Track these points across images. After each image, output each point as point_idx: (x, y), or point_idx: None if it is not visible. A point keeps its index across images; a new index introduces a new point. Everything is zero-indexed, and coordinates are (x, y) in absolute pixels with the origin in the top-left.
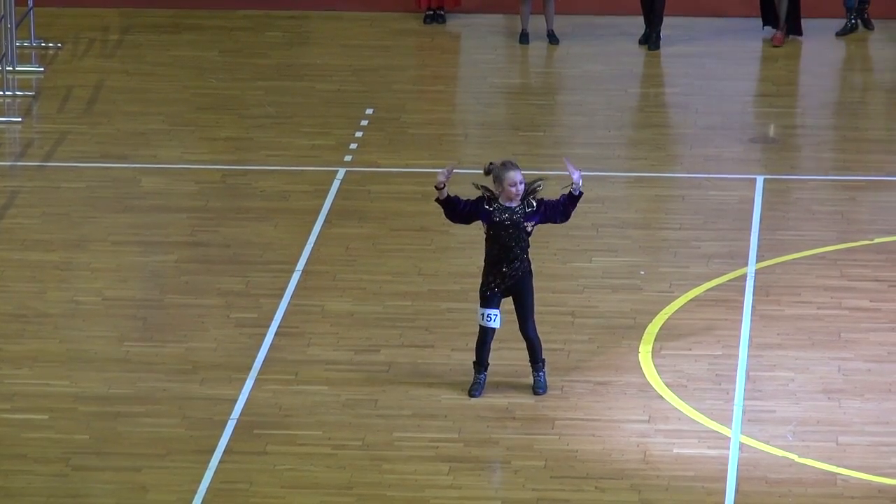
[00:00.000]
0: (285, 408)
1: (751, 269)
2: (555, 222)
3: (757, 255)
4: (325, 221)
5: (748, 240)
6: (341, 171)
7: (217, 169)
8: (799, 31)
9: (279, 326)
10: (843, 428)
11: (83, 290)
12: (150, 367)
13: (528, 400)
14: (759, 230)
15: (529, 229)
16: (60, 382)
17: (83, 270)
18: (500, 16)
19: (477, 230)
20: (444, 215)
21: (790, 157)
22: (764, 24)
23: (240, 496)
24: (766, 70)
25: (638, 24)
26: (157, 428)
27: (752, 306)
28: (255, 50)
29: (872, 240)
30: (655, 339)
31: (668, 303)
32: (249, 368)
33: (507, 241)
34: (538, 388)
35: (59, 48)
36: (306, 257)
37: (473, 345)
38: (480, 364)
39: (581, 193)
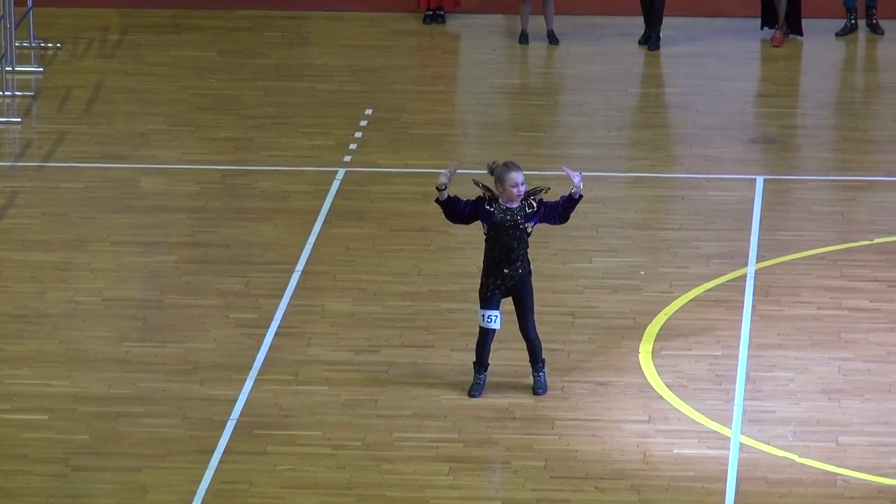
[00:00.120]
0: (285, 408)
1: (751, 269)
2: (553, 223)
3: (757, 256)
4: (325, 222)
5: (748, 240)
6: (341, 172)
7: (217, 169)
8: (799, 31)
9: (279, 327)
10: (843, 428)
11: (83, 290)
12: (150, 367)
13: (528, 400)
14: (759, 230)
15: (529, 230)
16: (60, 383)
17: (83, 271)
18: (500, 16)
19: (477, 230)
20: (443, 216)
21: (790, 158)
22: (762, 26)
23: (240, 496)
24: (765, 70)
25: (638, 24)
26: (157, 428)
27: (752, 306)
28: (255, 50)
29: (872, 240)
30: (655, 340)
31: (669, 303)
32: (249, 369)
33: (508, 241)
34: (538, 389)
35: (58, 48)
36: (306, 257)
37: (473, 345)
38: (480, 364)
39: (581, 196)
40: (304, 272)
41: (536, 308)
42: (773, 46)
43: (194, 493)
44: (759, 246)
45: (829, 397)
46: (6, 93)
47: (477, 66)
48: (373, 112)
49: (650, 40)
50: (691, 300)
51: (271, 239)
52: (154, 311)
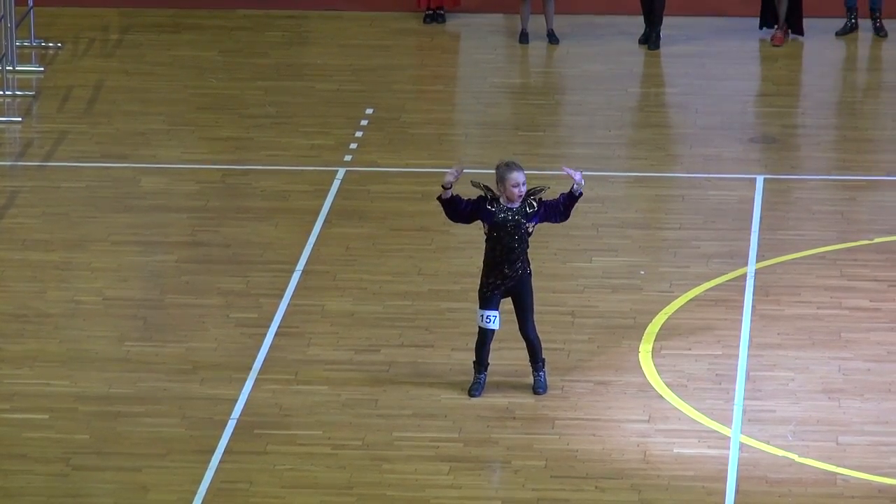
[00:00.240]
0: (285, 408)
1: (751, 268)
2: (554, 221)
3: (757, 255)
4: (325, 221)
5: (748, 240)
6: (341, 171)
7: (217, 169)
8: (800, 31)
9: (279, 326)
10: (843, 428)
11: (83, 289)
12: (151, 366)
13: (528, 400)
14: (759, 230)
15: (531, 230)
16: (61, 382)
17: (83, 270)
18: (500, 15)
19: (477, 230)
20: (444, 214)
21: (790, 157)
22: (761, 26)
23: (240, 496)
24: (766, 70)
25: (638, 23)
26: (158, 428)
27: (752, 306)
28: (255, 50)
29: (872, 239)
30: (655, 339)
31: (668, 303)
32: (249, 368)
33: (509, 241)
34: (538, 388)
35: (59, 48)
36: (306, 257)
37: (473, 344)
38: (480, 364)
39: (581, 193)
40: (304, 272)
41: (536, 308)
42: (774, 46)
43: (194, 492)
44: (759, 245)
45: (829, 397)
46: (7, 92)
47: (477, 66)
48: (373, 112)
49: (650, 40)
50: (691, 300)
51: (272, 238)
52: (154, 310)
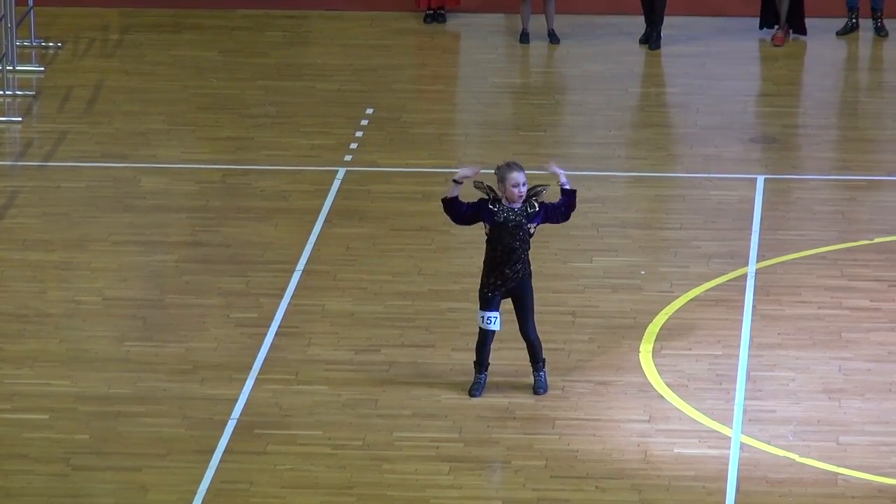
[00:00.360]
0: (285, 408)
1: (751, 268)
2: (556, 222)
3: (757, 255)
4: (326, 221)
5: (748, 239)
6: (341, 171)
7: (217, 169)
8: (803, 31)
9: (279, 326)
10: (843, 428)
11: (83, 289)
12: (151, 366)
13: (528, 400)
14: (760, 230)
15: (532, 231)
16: (61, 382)
17: (83, 270)
18: (501, 15)
19: (478, 230)
20: (445, 214)
21: (790, 157)
22: (761, 26)
23: (240, 496)
24: (766, 69)
25: (638, 23)
26: (158, 428)
27: (753, 306)
28: (255, 49)
29: (873, 239)
30: (656, 339)
31: (669, 302)
32: (250, 368)
33: (511, 242)
34: (538, 388)
35: (59, 48)
36: (306, 257)
37: (473, 344)
38: (480, 364)
39: (571, 189)
40: (304, 272)
41: (536, 308)
42: (775, 46)
43: (194, 492)
44: (759, 245)
45: (829, 397)
46: (7, 92)
47: (477, 66)
48: (373, 111)
49: (651, 40)
50: (692, 300)
51: (272, 238)
52: (154, 310)
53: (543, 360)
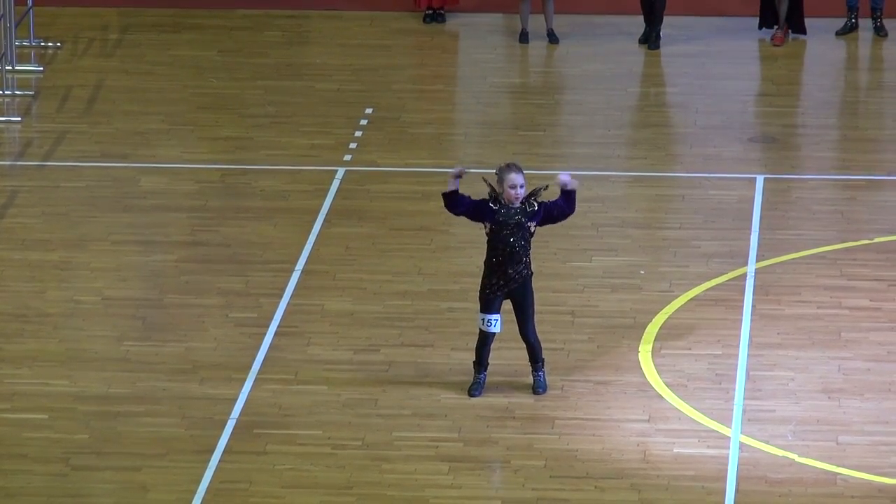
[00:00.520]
0: (285, 407)
1: (751, 268)
2: (557, 219)
3: (757, 255)
4: (325, 221)
5: (748, 239)
6: (341, 171)
7: (217, 168)
8: (803, 30)
9: (279, 326)
10: (843, 427)
11: (83, 289)
12: (150, 366)
13: (527, 399)
14: (759, 230)
15: (532, 230)
16: (60, 382)
17: (83, 270)
18: (500, 15)
19: (477, 229)
20: (444, 206)
21: (790, 157)
22: (761, 26)
23: (239, 496)
24: (766, 69)
25: (638, 23)
26: (157, 427)
27: (752, 306)
28: (255, 49)
29: (872, 239)
30: (655, 339)
31: (668, 302)
32: (249, 368)
33: (512, 241)
34: (538, 388)
35: (58, 47)
36: (306, 257)
37: (473, 344)
38: (480, 364)
39: (572, 190)
40: (303, 271)
41: (536, 307)
42: (774, 46)
43: (194, 492)
44: (759, 245)
45: (829, 396)
46: (6, 92)
47: (477, 66)
48: (373, 111)
49: (650, 39)
50: (691, 299)
51: (271, 238)
52: (154, 310)
53: (543, 360)
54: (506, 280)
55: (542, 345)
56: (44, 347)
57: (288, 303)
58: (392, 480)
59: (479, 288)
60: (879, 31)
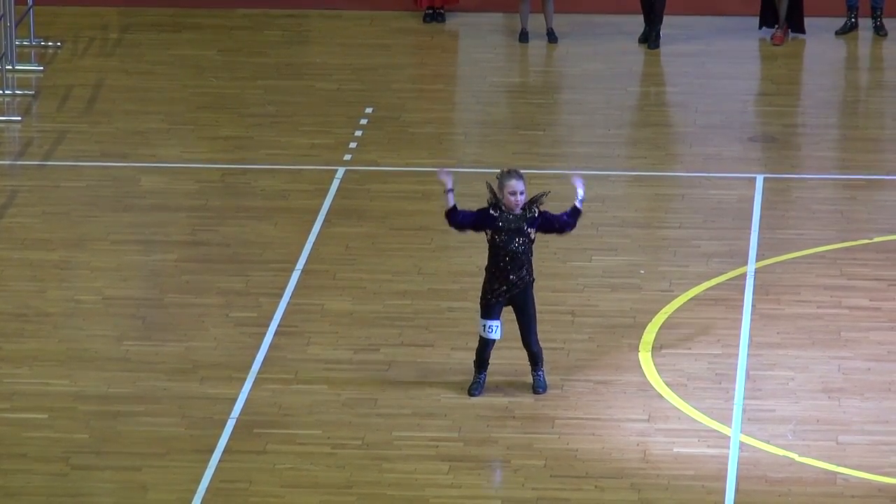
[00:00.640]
0: (285, 407)
1: (750, 268)
2: (551, 232)
3: (757, 254)
4: (325, 220)
5: (748, 239)
6: (341, 171)
7: (217, 168)
8: (802, 30)
9: (279, 326)
10: (843, 427)
11: (83, 289)
12: (150, 366)
13: (527, 399)
14: (759, 229)
15: (533, 236)
16: (60, 381)
17: (83, 269)
18: (500, 14)
19: None
20: (449, 226)
21: (790, 156)
22: (761, 26)
23: (239, 495)
24: (765, 69)
25: (638, 22)
26: (157, 427)
27: (752, 305)
28: (255, 49)
29: (872, 239)
30: (655, 339)
31: (668, 302)
32: (249, 368)
33: (514, 247)
34: (538, 388)
35: (58, 47)
36: (306, 256)
37: (473, 344)
38: (480, 366)
39: (580, 210)
40: (303, 271)
41: (537, 307)
42: (774, 45)
43: (194, 491)
44: (758, 244)
45: (828, 396)
46: (6, 91)
47: (476, 65)
48: (373, 111)
49: (650, 39)
50: (691, 299)
51: (271, 238)
52: (154, 309)
53: (542, 360)
54: (507, 286)
55: (543, 345)
56: (44, 347)
57: (288, 302)
58: (392, 480)
59: (480, 293)
60: (879, 31)
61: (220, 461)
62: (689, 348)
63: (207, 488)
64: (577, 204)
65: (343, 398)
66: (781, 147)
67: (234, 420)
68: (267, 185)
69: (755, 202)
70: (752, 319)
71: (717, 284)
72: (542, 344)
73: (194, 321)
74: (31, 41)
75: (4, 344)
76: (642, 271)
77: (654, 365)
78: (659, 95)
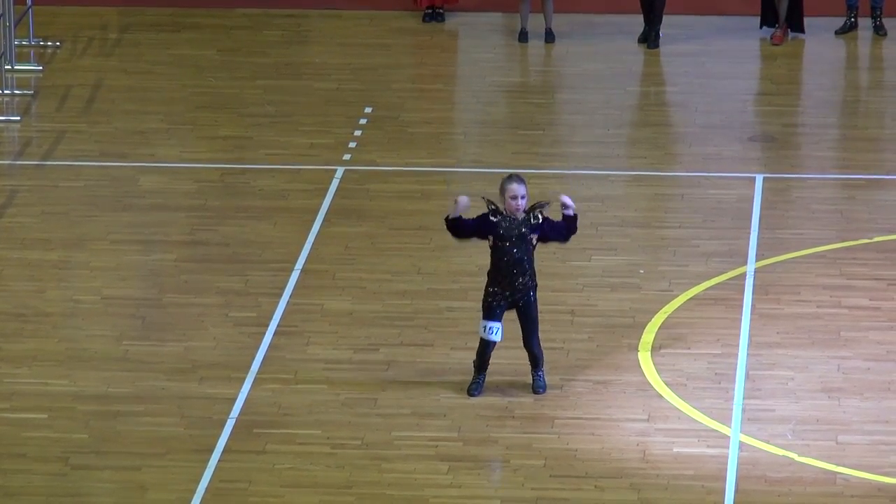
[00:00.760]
0: (284, 407)
1: (750, 267)
2: (555, 241)
3: (756, 254)
4: (325, 220)
5: (747, 238)
6: (340, 170)
7: (216, 168)
8: (801, 29)
9: (278, 325)
10: (842, 427)
11: (82, 288)
12: (150, 366)
13: (527, 399)
14: (759, 229)
15: (534, 242)
16: (59, 381)
17: (82, 269)
18: (499, 14)
19: None
20: (451, 234)
21: (789, 156)
22: (762, 25)
23: (239, 495)
24: (765, 68)
25: (637, 22)
26: (157, 427)
27: (752, 305)
28: (254, 48)
29: (872, 238)
30: (655, 338)
31: (668, 301)
32: (248, 367)
33: (515, 252)
34: (538, 388)
35: (57, 47)
36: (305, 256)
37: (473, 343)
38: (480, 367)
39: (575, 216)
40: (303, 271)
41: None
42: (773, 45)
43: (193, 491)
44: (758, 244)
45: (828, 396)
46: (5, 91)
47: (476, 65)
48: (372, 110)
49: (649, 38)
50: (691, 298)
51: (271, 237)
52: (153, 309)
53: (543, 361)
54: (510, 291)
55: (542, 345)
56: (43, 347)
57: (287, 302)
58: (391, 480)
59: (480, 293)
60: (879, 30)
61: (219, 461)
62: (689, 348)
63: (207, 488)
64: (569, 213)
65: (342, 398)
66: (781, 147)
67: (234, 420)
68: (266, 185)
69: (755, 202)
70: (751, 319)
71: (717, 284)
72: (541, 344)
73: (194, 321)
74: (30, 41)
75: (4, 344)
76: (642, 271)
77: (654, 365)
78: (658, 95)
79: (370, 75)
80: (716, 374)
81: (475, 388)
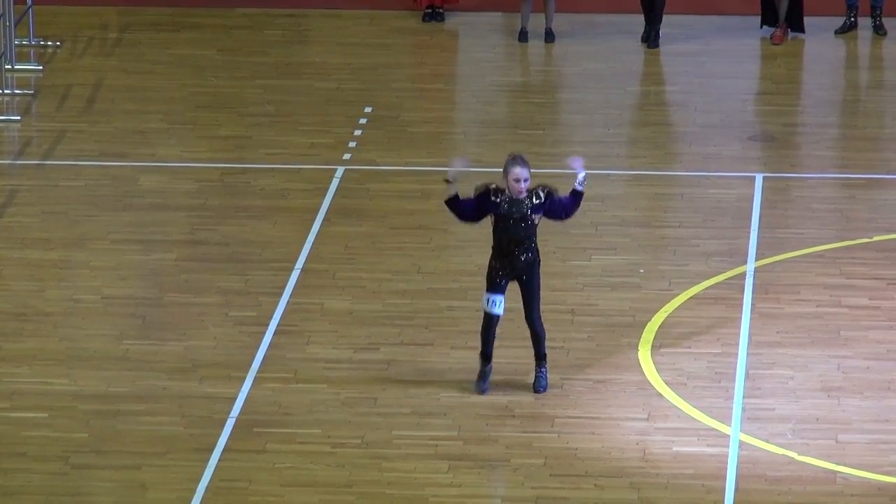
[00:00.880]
0: (285, 406)
1: (750, 267)
2: (557, 219)
3: (756, 254)
4: (325, 220)
5: (747, 238)
6: (340, 170)
7: (216, 167)
8: (801, 29)
9: (278, 325)
10: (842, 426)
11: (82, 288)
12: (150, 365)
13: (527, 398)
14: (759, 228)
15: (536, 221)
16: (60, 381)
17: (82, 269)
18: (499, 14)
19: (476, 227)
20: (451, 213)
21: (789, 155)
22: (762, 24)
23: (239, 494)
24: (765, 68)
25: (638, 22)
26: (157, 426)
27: (752, 304)
28: (254, 48)
29: (872, 238)
30: (655, 338)
31: (668, 301)
32: (249, 367)
33: (516, 231)
34: (539, 386)
35: (57, 46)
36: (305, 256)
37: (473, 342)
38: (485, 354)
39: (582, 192)
40: (303, 270)
41: (541, 286)
42: (773, 44)
43: (194, 490)
44: (758, 244)
45: (828, 395)
46: (6, 91)
47: (476, 64)
48: (372, 110)
49: (650, 38)
50: (691, 298)
51: (271, 237)
52: (153, 309)
53: (545, 356)
54: (512, 266)
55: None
56: (43, 346)
57: (287, 301)
58: (391, 479)
59: (479, 292)
60: (879, 30)
61: (219, 460)
62: (689, 347)
63: (207, 487)
64: (578, 186)
65: (343, 397)
66: (781, 146)
67: (234, 419)
68: (266, 185)
69: (755, 201)
70: (751, 318)
71: (717, 283)
72: (546, 337)
73: (194, 320)
74: (30, 41)
75: (4, 343)
76: (642, 270)
77: (654, 364)
78: (659, 95)
79: (370, 75)
80: (716, 373)
81: (483, 382)
